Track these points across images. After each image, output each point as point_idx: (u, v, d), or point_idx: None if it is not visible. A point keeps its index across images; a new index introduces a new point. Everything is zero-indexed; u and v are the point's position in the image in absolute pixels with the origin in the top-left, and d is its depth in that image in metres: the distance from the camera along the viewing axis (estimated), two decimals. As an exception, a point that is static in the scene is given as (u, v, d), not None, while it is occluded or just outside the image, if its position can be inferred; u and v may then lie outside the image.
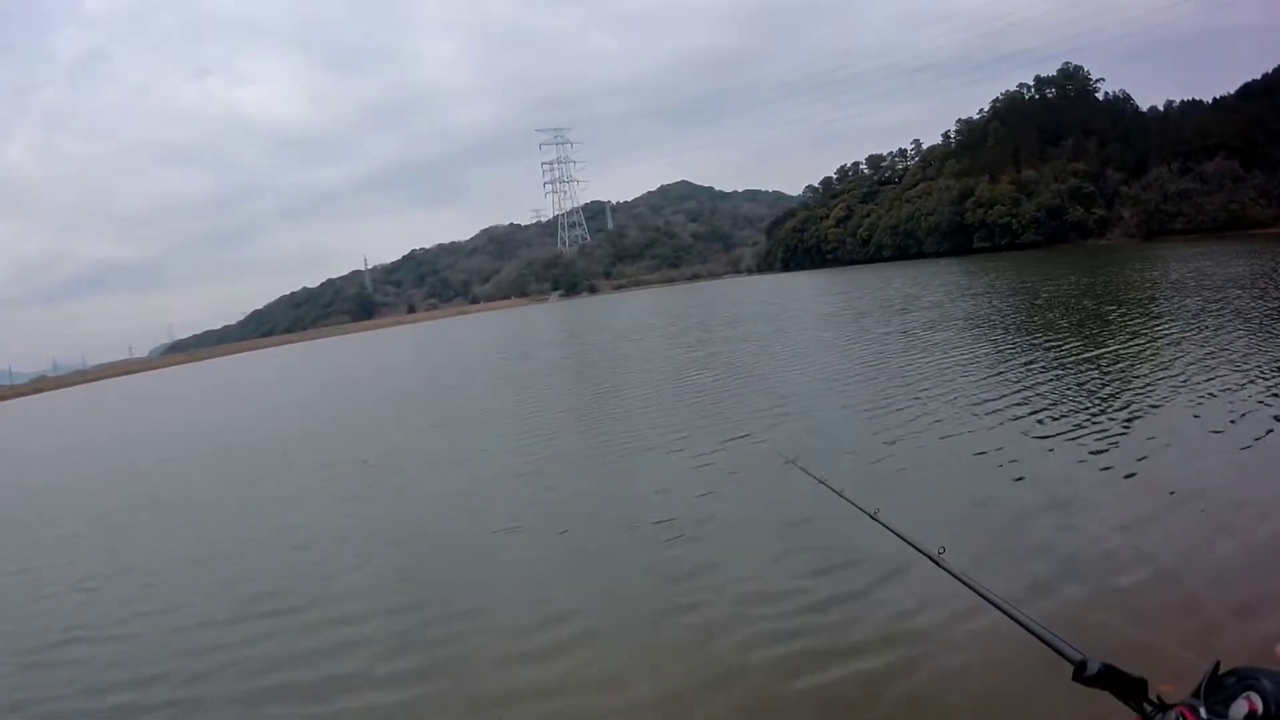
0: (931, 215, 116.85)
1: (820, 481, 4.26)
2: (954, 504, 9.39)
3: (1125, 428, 11.72)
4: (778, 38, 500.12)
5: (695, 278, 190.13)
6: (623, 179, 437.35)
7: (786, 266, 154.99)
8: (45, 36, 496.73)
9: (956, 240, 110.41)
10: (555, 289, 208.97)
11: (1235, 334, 18.26)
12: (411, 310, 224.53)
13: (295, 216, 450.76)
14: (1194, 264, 40.98)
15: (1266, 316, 20.40)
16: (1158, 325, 21.11)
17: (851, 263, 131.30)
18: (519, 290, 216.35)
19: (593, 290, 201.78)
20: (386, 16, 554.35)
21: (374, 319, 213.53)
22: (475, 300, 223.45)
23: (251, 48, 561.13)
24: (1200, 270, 36.76)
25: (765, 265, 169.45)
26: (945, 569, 2.75)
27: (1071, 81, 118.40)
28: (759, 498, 10.38)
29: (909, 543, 3.00)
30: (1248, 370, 14.24)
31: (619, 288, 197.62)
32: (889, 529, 3.18)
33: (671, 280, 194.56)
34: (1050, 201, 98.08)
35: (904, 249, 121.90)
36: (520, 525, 11.18)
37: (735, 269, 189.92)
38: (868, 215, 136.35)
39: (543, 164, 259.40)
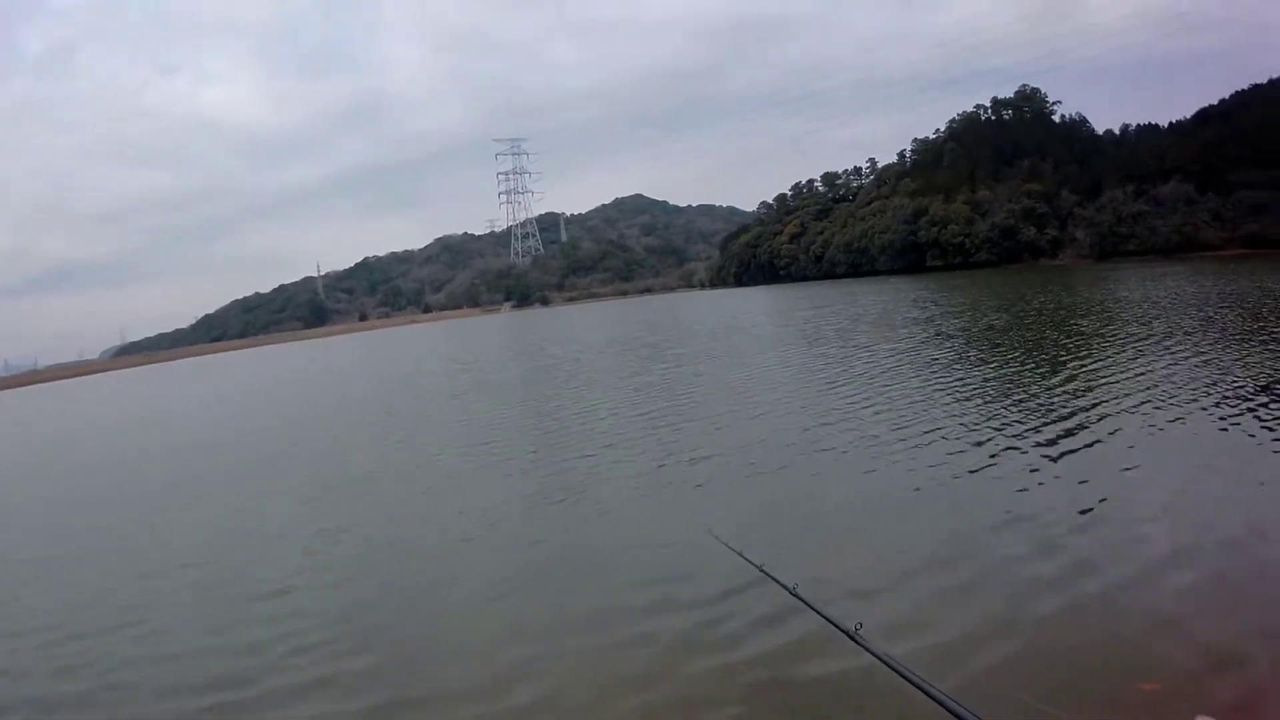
0: (885, 233, 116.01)
1: (739, 554, 4.45)
2: (890, 565, 8.14)
3: (1094, 468, 10.50)
4: (739, 53, 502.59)
5: (648, 291, 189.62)
6: (578, 191, 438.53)
7: (739, 281, 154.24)
8: (15, 29, 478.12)
9: (909, 258, 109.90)
10: (508, 300, 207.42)
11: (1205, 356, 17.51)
12: (363, 318, 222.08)
13: (252, 220, 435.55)
14: (1167, 284, 40.50)
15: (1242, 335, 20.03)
16: (1167, 345, 19.62)
17: (804, 279, 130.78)
18: (471, 300, 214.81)
19: (545, 302, 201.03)
20: (353, 20, 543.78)
21: (325, 326, 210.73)
22: (427, 309, 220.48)
23: (219, 47, 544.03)
24: (1176, 290, 36.18)
25: (718, 280, 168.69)
26: (863, 646, 2.88)
27: (1029, 104, 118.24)
28: (667, 573, 8.62)
29: (827, 619, 3.14)
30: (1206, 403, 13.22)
31: (571, 300, 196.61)
32: (808, 605, 3.32)
33: (624, 293, 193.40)
34: (1004, 221, 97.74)
35: (857, 266, 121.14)
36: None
37: (688, 283, 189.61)
38: (821, 232, 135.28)
39: (498, 174, 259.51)
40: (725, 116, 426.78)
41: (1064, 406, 14.17)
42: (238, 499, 15.30)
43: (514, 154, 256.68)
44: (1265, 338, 19.35)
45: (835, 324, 37.68)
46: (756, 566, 4.05)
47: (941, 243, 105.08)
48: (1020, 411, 14.16)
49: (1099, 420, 12.80)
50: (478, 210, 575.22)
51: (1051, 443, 11.82)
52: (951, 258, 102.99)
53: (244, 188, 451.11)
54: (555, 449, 15.95)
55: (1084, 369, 17.74)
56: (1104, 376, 16.45)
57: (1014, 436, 12.42)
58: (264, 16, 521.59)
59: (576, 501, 11.87)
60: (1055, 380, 16.86)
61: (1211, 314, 25.56)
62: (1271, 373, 14.99)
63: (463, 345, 63.72)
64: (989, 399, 15.65)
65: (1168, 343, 19.94)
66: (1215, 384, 14.42)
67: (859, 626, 2.88)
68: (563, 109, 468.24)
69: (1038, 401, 14.90)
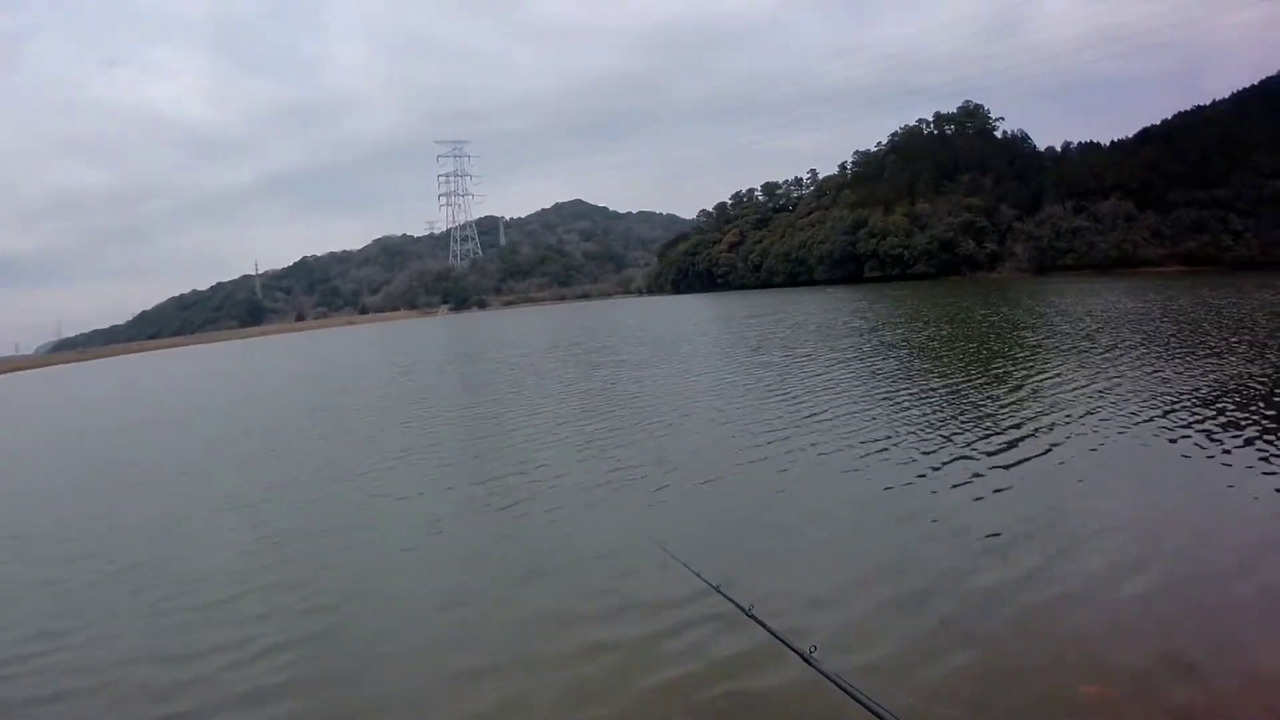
0: (824, 244, 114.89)
1: (695, 574, 4.43)
2: (841, 580, 7.65)
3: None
4: (685, 62, 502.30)
5: (585, 297, 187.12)
6: (518, 195, 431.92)
7: (677, 289, 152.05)
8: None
9: (847, 269, 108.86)
10: (445, 302, 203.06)
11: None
12: (300, 318, 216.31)
13: (191, 217, 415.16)
14: (1108, 299, 40.19)
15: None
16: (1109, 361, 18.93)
17: (742, 288, 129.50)
18: (408, 302, 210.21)
19: (482, 305, 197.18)
20: (300, 19, 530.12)
21: (262, 325, 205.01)
22: (364, 310, 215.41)
23: (164, 40, 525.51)
24: (1115, 305, 35.85)
25: (656, 287, 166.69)
26: (816, 668, 2.91)
27: (971, 119, 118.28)
28: (619, 588, 8.02)
29: (781, 640, 3.18)
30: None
31: (509, 304, 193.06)
32: (762, 625, 3.36)
33: (562, 298, 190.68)
34: (943, 234, 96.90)
35: (794, 276, 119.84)
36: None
37: (626, 290, 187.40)
38: (760, 241, 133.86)
39: (439, 176, 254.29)
40: (668, 124, 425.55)
41: (1013, 417, 13.71)
42: (171, 503, 13.62)
43: (455, 156, 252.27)
44: (1207, 351, 19.24)
45: (781, 333, 35.79)
46: (713, 586, 3.98)
47: (880, 254, 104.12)
48: (970, 422, 13.64)
49: (1048, 431, 12.51)
50: (418, 212, 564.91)
51: (1001, 453, 11.44)
52: (890, 269, 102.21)
53: (185, 184, 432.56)
54: (501, 457, 14.63)
55: (1031, 379, 17.37)
56: (1052, 387, 16.11)
57: (964, 447, 11.89)
58: (212, 13, 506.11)
59: (526, 512, 10.88)
60: (1004, 390, 16.41)
61: (1156, 327, 25.30)
62: (1217, 385, 14.94)
63: (401, 348, 60.08)
64: (938, 409, 15.03)
65: (1113, 355, 19.69)
66: (1162, 396, 14.29)
67: (813, 649, 2.90)
68: (507, 114, 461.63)
69: (986, 412, 14.40)
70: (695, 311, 69.06)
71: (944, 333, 30.32)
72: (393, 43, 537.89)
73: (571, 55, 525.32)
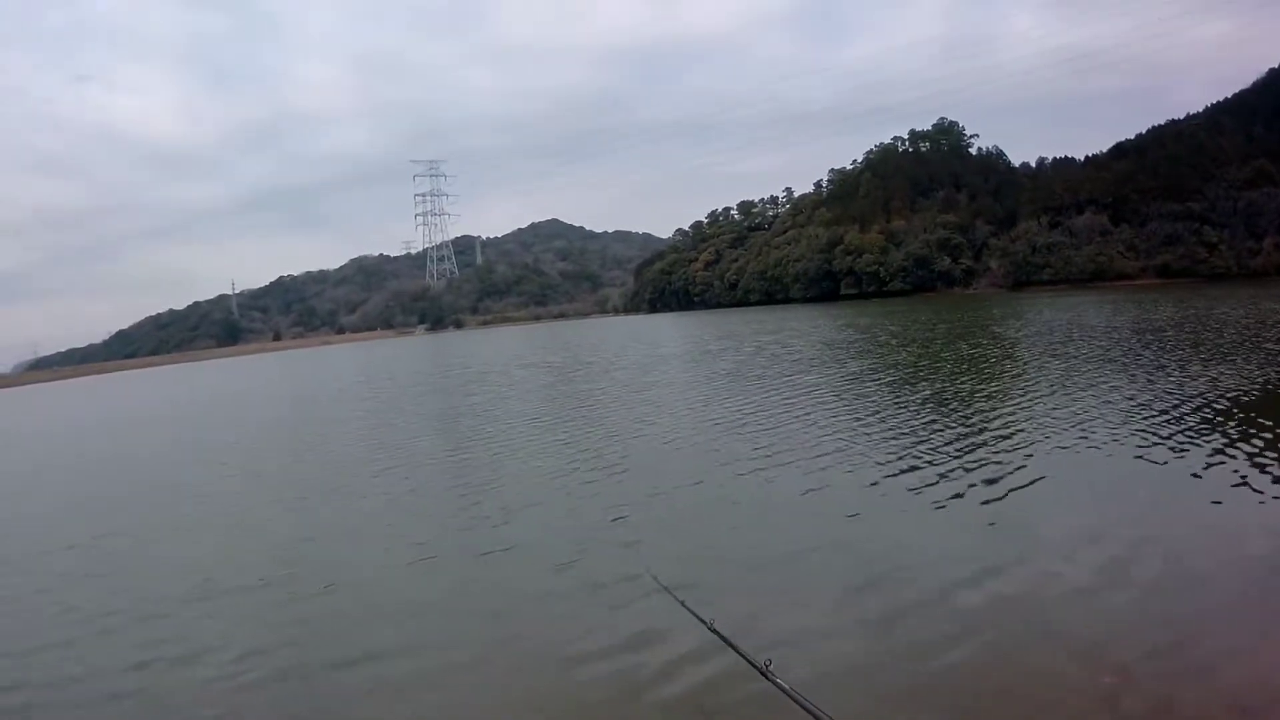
0: (799, 262, 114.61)
1: (664, 588, 4.51)
2: (815, 602, 7.37)
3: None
4: (656, 80, 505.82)
5: (562, 316, 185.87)
6: (494, 214, 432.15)
7: (653, 308, 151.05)
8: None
9: (823, 287, 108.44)
10: (421, 322, 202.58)
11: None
12: (277, 338, 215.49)
13: (166, 235, 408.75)
14: (1104, 312, 39.73)
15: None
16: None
17: (718, 306, 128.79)
18: (385, 322, 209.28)
19: (459, 325, 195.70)
20: (270, 37, 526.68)
21: (239, 345, 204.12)
22: (341, 330, 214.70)
23: (134, 57, 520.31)
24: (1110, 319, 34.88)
25: (632, 306, 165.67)
26: (773, 682, 2.92)
27: (946, 136, 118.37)
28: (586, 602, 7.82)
29: (741, 654, 3.19)
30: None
31: (485, 323, 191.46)
32: (724, 640, 3.35)
33: (539, 318, 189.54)
34: (919, 251, 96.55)
35: (771, 294, 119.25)
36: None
37: (602, 309, 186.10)
38: (736, 260, 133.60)
39: (415, 195, 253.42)
40: (640, 144, 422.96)
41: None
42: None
43: (431, 175, 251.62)
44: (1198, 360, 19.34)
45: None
46: (679, 600, 4.05)
47: (856, 271, 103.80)
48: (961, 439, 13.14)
49: (1032, 446, 12.12)
50: (394, 232, 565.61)
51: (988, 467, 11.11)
52: (866, 286, 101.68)
53: (157, 202, 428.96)
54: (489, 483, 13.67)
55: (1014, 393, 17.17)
56: (1030, 404, 15.71)
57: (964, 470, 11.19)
58: (182, 28, 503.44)
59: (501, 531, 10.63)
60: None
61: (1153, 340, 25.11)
62: (1198, 398, 14.78)
63: (381, 369, 56.16)
64: (927, 425, 14.56)
65: (1099, 371, 19.31)
66: (1131, 413, 14.00)
67: (769, 662, 2.94)
68: (480, 133, 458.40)
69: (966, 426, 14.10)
70: (692, 330, 64.12)
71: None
72: (361, 63, 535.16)
73: (540, 75, 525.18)
